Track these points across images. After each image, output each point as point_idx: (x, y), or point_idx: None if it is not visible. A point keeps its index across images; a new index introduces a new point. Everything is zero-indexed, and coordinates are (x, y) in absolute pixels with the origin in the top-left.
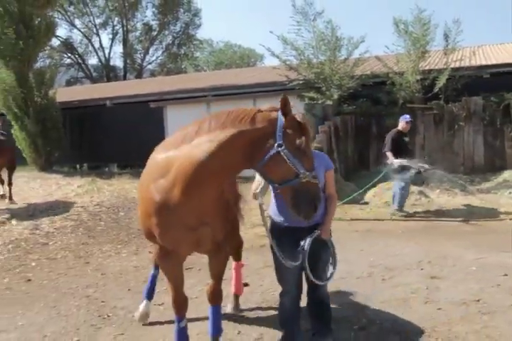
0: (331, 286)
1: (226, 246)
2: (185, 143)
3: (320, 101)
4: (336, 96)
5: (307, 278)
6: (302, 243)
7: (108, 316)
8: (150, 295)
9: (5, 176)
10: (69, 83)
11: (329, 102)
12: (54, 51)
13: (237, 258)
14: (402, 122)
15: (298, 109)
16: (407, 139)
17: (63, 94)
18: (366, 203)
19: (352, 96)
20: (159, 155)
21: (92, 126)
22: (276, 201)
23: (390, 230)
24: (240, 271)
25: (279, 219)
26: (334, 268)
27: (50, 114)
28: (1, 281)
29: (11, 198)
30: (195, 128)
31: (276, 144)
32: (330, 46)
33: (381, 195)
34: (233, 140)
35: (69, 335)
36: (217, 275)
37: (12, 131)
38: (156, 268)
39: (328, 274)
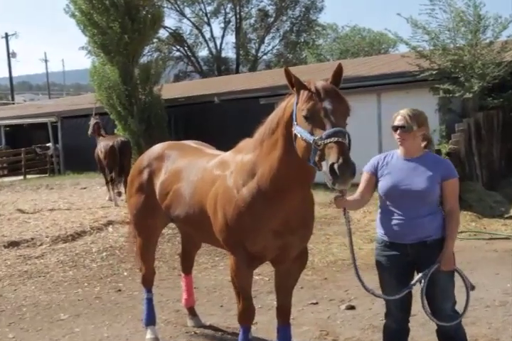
0: None
1: (307, 253)
2: (259, 146)
3: (457, 95)
4: (477, 88)
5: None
6: (413, 281)
7: (195, 333)
8: (152, 320)
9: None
10: (177, 78)
11: (469, 95)
12: (162, 44)
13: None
14: None
15: (430, 103)
16: None
17: (169, 90)
18: None
19: (498, 87)
20: (242, 157)
21: (199, 125)
22: (380, 212)
23: None
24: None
25: (379, 232)
26: (466, 305)
27: (154, 112)
28: (92, 290)
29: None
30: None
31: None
32: (471, 28)
33: None
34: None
35: None
36: (290, 287)
37: (115, 132)
38: (149, 291)
39: (458, 309)
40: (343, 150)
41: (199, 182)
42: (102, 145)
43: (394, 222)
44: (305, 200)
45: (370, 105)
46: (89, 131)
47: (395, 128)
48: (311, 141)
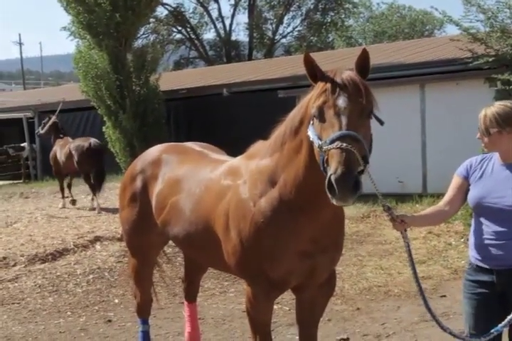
0: None
1: (335, 278)
2: (279, 149)
3: None
4: None
5: None
6: (505, 321)
7: None
8: None
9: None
10: (178, 65)
11: None
12: (160, 24)
13: None
14: None
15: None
16: None
17: (169, 80)
18: None
19: None
20: (256, 162)
21: (204, 123)
22: (472, 228)
23: None
24: None
25: (470, 252)
26: None
27: (151, 106)
28: (76, 320)
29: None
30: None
31: None
32: None
33: None
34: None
35: None
36: (316, 319)
37: (104, 130)
38: (144, 322)
39: None
40: (346, 159)
41: (204, 195)
42: (73, 147)
43: (481, 241)
44: (335, 214)
45: (412, 99)
46: (42, 131)
47: (487, 133)
48: (317, 146)
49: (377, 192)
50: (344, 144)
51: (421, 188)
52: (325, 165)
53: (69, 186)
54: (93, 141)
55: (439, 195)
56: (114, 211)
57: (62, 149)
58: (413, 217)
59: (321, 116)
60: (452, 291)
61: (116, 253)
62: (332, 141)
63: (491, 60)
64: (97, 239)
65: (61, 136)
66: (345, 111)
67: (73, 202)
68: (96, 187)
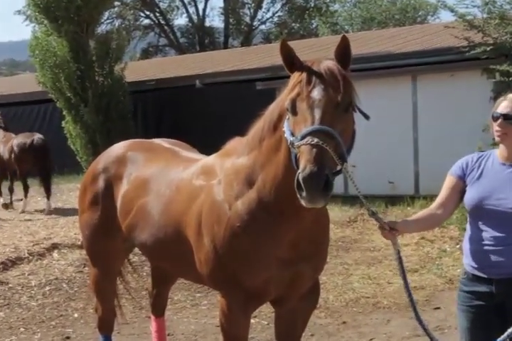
0: None
1: (319, 288)
2: (257, 146)
3: None
4: None
5: None
6: (502, 336)
7: None
8: None
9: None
10: (146, 54)
11: None
12: (126, 8)
13: None
14: None
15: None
16: None
17: (136, 69)
18: None
19: None
20: (232, 161)
21: (175, 117)
22: (466, 233)
23: None
24: None
25: (464, 259)
26: None
27: (115, 99)
28: (31, 337)
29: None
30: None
31: None
32: None
33: None
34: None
35: None
36: (297, 334)
37: (63, 125)
38: (107, 338)
39: None
40: (316, 156)
41: (174, 196)
42: (14, 143)
43: (479, 247)
44: (319, 218)
45: (403, 92)
46: None
47: (496, 118)
48: (288, 143)
49: (359, 194)
50: (315, 140)
51: (413, 189)
52: (298, 164)
53: (10, 189)
54: (37, 137)
55: (433, 197)
56: (73, 215)
57: (5, 146)
58: (404, 223)
59: (294, 109)
60: (447, 303)
61: (76, 262)
62: (303, 137)
63: (488, 49)
64: (55, 246)
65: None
66: (319, 104)
67: (5, 206)
68: (44, 188)
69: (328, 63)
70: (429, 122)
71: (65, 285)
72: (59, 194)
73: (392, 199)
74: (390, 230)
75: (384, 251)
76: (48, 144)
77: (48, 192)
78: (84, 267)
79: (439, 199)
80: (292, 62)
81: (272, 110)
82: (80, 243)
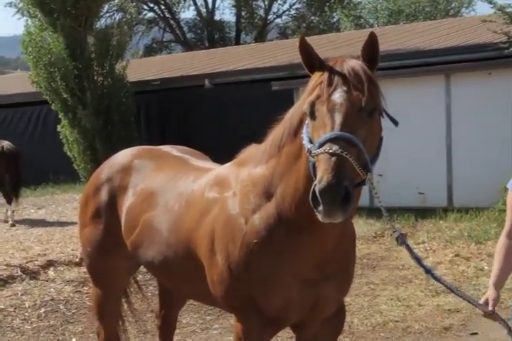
0: None
1: (344, 312)
2: (276, 154)
3: None
4: None
5: None
6: None
7: None
8: None
9: None
10: (150, 50)
11: None
12: (127, 1)
13: None
14: None
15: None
16: None
17: (139, 68)
18: None
19: None
20: (248, 170)
21: (182, 120)
22: None
23: None
24: None
25: None
26: None
27: (117, 100)
28: None
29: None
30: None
31: None
32: None
33: None
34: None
35: None
36: None
37: (59, 129)
38: None
39: None
40: (335, 166)
41: (184, 210)
42: None
43: None
44: (344, 234)
45: (435, 92)
46: None
47: None
48: (306, 151)
49: (384, 214)
50: (334, 148)
51: (446, 201)
52: (315, 174)
53: None
54: (6, 143)
55: (468, 210)
56: (70, 228)
57: None
58: (495, 287)
59: (313, 113)
60: (485, 328)
61: (74, 282)
62: (321, 144)
63: None
64: (50, 263)
65: None
66: (340, 108)
67: None
68: (12, 197)
69: (352, 63)
70: (465, 127)
71: (61, 307)
72: (54, 205)
73: (423, 212)
74: (491, 307)
75: (414, 269)
76: (19, 150)
77: (17, 201)
78: (82, 286)
79: (508, 224)
80: (312, 61)
81: (292, 114)
82: (77, 260)
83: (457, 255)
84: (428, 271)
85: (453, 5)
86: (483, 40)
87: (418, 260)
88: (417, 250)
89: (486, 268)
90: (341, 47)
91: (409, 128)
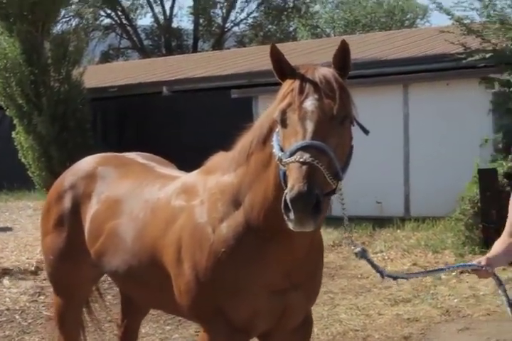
0: None
1: (312, 321)
2: (245, 162)
3: None
4: None
5: None
6: None
7: None
8: None
9: None
10: (106, 57)
11: None
12: (84, 6)
13: None
14: None
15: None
16: None
17: (96, 74)
18: None
19: None
20: (216, 178)
21: (140, 127)
22: None
23: None
24: None
25: None
26: None
27: (73, 107)
28: None
29: None
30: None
31: None
32: None
33: None
34: None
35: None
36: None
37: (13, 135)
38: None
39: None
40: (306, 174)
41: (150, 219)
42: None
43: None
44: (313, 243)
45: (393, 102)
46: None
47: None
48: (277, 159)
49: (345, 222)
50: (305, 156)
51: (403, 210)
52: (286, 182)
53: None
54: None
55: (425, 219)
56: (24, 236)
57: None
58: (495, 258)
59: (284, 121)
60: (444, 336)
61: (30, 291)
62: (292, 153)
63: (487, 56)
64: (5, 272)
65: None
66: (312, 116)
67: None
68: None
69: (323, 70)
70: (422, 137)
71: (17, 317)
72: (8, 213)
73: (381, 221)
74: (485, 268)
75: (372, 278)
76: None
77: None
78: (39, 296)
79: (508, 226)
80: (283, 68)
81: (261, 121)
82: (33, 268)
83: (415, 264)
84: (395, 279)
85: (408, 16)
86: (440, 51)
87: (381, 273)
88: (375, 259)
89: (443, 277)
90: (300, 56)
91: (367, 137)
